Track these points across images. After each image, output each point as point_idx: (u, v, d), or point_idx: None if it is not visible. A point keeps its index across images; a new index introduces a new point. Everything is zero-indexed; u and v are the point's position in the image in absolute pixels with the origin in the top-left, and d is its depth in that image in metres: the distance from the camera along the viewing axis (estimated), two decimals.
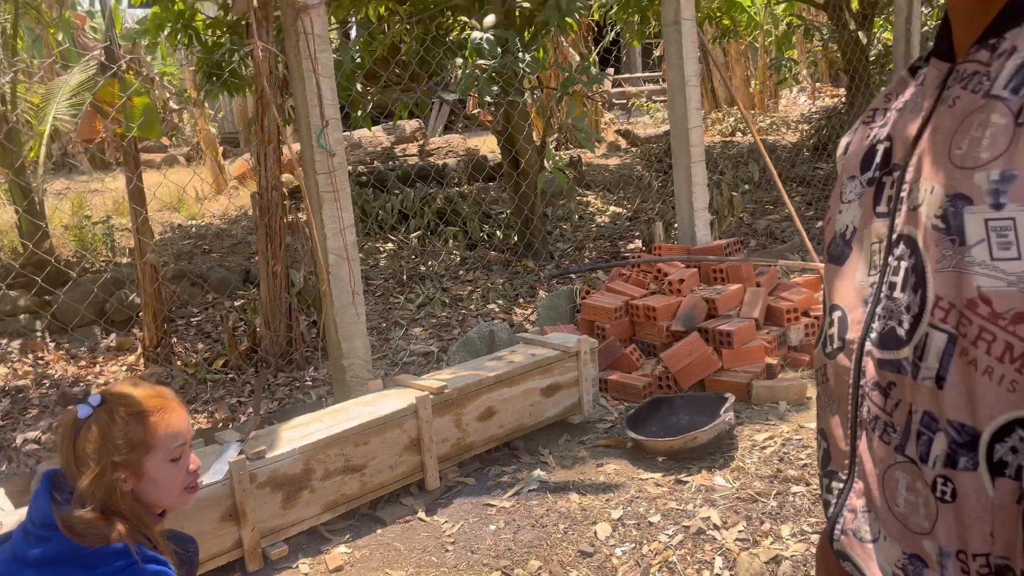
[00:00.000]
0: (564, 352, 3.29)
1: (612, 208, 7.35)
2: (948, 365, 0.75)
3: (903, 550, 0.82)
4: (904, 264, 0.79)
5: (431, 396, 2.87)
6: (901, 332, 0.80)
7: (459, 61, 4.98)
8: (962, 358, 0.74)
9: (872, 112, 0.94)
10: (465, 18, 6.00)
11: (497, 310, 4.79)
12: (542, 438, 3.31)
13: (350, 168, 7.74)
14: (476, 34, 4.78)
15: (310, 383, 3.92)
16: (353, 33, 9.05)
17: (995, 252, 0.72)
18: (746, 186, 7.58)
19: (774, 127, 11.04)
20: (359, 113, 5.63)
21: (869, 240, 0.86)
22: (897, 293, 0.81)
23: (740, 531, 2.57)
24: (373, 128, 9.33)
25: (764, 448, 3.10)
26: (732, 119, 11.35)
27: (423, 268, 5.54)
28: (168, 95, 10.71)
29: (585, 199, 7.67)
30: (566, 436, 3.34)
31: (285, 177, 5.08)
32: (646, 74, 16.18)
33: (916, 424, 0.78)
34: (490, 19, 4.94)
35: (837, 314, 0.89)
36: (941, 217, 0.76)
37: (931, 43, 0.85)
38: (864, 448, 0.86)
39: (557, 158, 6.04)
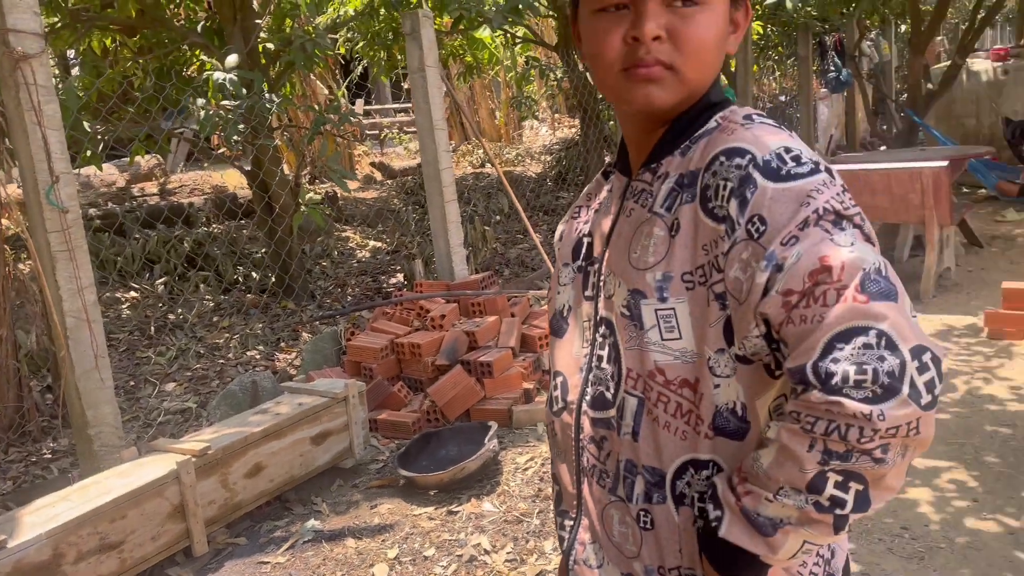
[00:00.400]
0: (332, 398, 3.30)
1: (372, 243, 7.41)
2: (640, 422, 0.96)
3: (621, 572, 1.01)
4: (607, 341, 1.00)
5: (193, 459, 2.76)
6: (608, 396, 1.00)
7: (201, 102, 4.80)
8: (648, 416, 0.95)
9: (577, 209, 1.15)
10: (205, 56, 5.80)
11: (259, 357, 4.66)
12: (314, 486, 3.29)
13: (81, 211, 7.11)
14: (218, 74, 4.65)
15: (50, 456, 3.57)
16: (76, 70, 8.33)
17: (664, 335, 0.93)
18: (498, 217, 7.99)
19: (519, 158, 11.71)
20: (88, 153, 5.22)
21: (581, 318, 1.06)
22: (604, 364, 1.01)
23: (508, 552, 2.74)
24: (106, 165, 8.64)
25: (526, 470, 3.33)
26: (482, 151, 11.86)
27: (173, 317, 5.24)
28: None
29: (344, 234, 7.66)
30: (339, 481, 3.35)
31: (7, 222, 4.59)
32: (397, 105, 16.43)
33: (622, 470, 0.99)
34: (232, 59, 4.81)
35: (560, 379, 1.09)
36: (626, 307, 0.96)
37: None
38: (587, 491, 1.05)
39: (311, 195, 6.00)
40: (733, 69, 8.89)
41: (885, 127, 11.75)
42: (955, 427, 3.42)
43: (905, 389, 0.75)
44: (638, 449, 0.96)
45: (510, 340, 4.16)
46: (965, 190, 8.61)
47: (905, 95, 9.45)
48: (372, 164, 11.14)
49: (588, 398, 1.03)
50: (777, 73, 15.56)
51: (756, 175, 0.84)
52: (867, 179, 5.21)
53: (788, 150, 0.85)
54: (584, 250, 1.08)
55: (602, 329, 1.01)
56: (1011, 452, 3.17)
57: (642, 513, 0.97)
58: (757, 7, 8.78)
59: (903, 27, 12.57)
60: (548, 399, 1.13)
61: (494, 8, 5.86)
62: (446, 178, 4.72)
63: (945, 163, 5.01)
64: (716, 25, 0.91)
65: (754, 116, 0.93)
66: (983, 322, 4.52)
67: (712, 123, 0.94)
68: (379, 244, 7.33)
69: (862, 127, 11.92)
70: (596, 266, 1.04)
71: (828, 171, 0.85)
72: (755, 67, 13.42)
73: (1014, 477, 2.98)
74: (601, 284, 1.02)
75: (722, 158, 0.87)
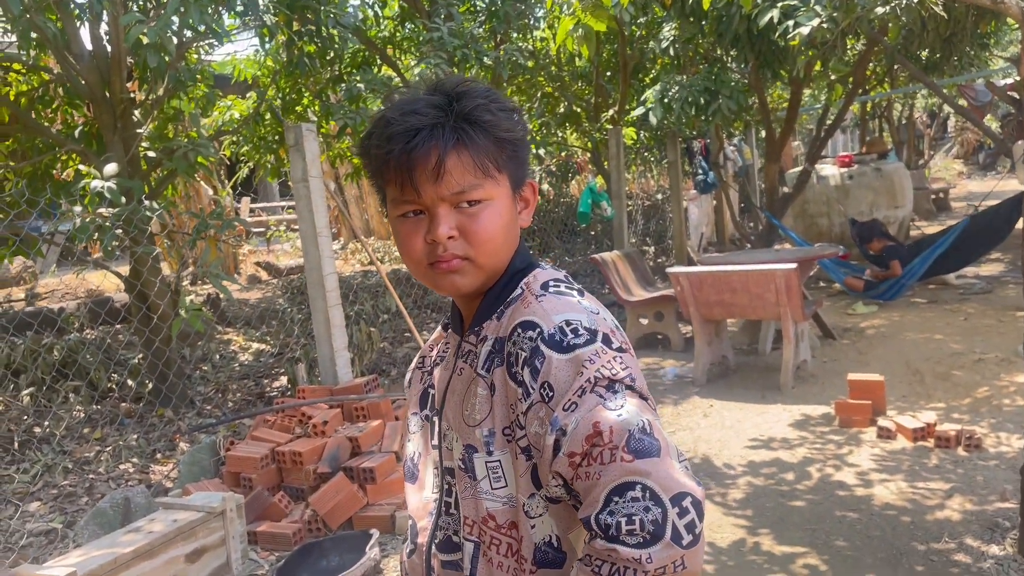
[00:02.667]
0: (208, 513, 3.25)
1: (255, 345, 7.32)
2: (476, 565, 1.09)
3: None
4: (454, 489, 1.13)
5: None
6: (455, 540, 1.12)
7: (77, 209, 4.75)
8: (484, 558, 1.08)
9: (422, 358, 1.28)
10: (80, 162, 5.74)
11: (132, 470, 4.50)
12: None
13: None
14: (96, 183, 4.63)
15: None
16: None
17: (493, 484, 1.08)
18: (386, 316, 8.06)
19: None
20: None
21: (430, 466, 1.18)
22: (452, 510, 1.14)
23: None
24: None
25: None
26: (371, 248, 11.98)
27: (39, 430, 5.00)
28: None
29: (227, 337, 7.54)
30: None
31: None
32: (284, 203, 16.41)
33: None
34: (111, 167, 4.80)
35: (411, 522, 1.20)
36: (462, 460, 1.11)
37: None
38: None
39: (191, 301, 5.92)
40: (608, 171, 9.46)
41: (752, 224, 12.66)
42: (808, 513, 3.69)
43: (667, 534, 0.91)
44: None
45: (394, 444, 4.20)
46: (823, 284, 9.35)
47: (764, 197, 10.26)
48: (258, 263, 11.05)
49: (437, 541, 1.14)
50: (655, 172, 16.58)
51: (543, 347, 1.00)
52: (727, 280, 5.63)
53: (568, 323, 1.01)
54: (429, 400, 1.21)
55: (447, 477, 1.13)
56: (857, 536, 3.43)
57: None
58: (628, 117, 9.45)
59: (763, 133, 13.73)
60: (404, 541, 1.24)
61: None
62: (330, 283, 4.81)
63: (795, 265, 5.49)
64: (501, 215, 1.08)
65: (551, 284, 1.09)
66: (834, 411, 4.91)
67: (518, 290, 1.10)
68: (263, 346, 7.25)
69: (730, 225, 12.79)
70: (438, 418, 1.17)
71: (605, 339, 1.01)
72: (632, 168, 14.30)
73: (859, 560, 3.24)
74: (443, 436, 1.15)
75: (519, 329, 1.04)
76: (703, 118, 7.73)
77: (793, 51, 7.14)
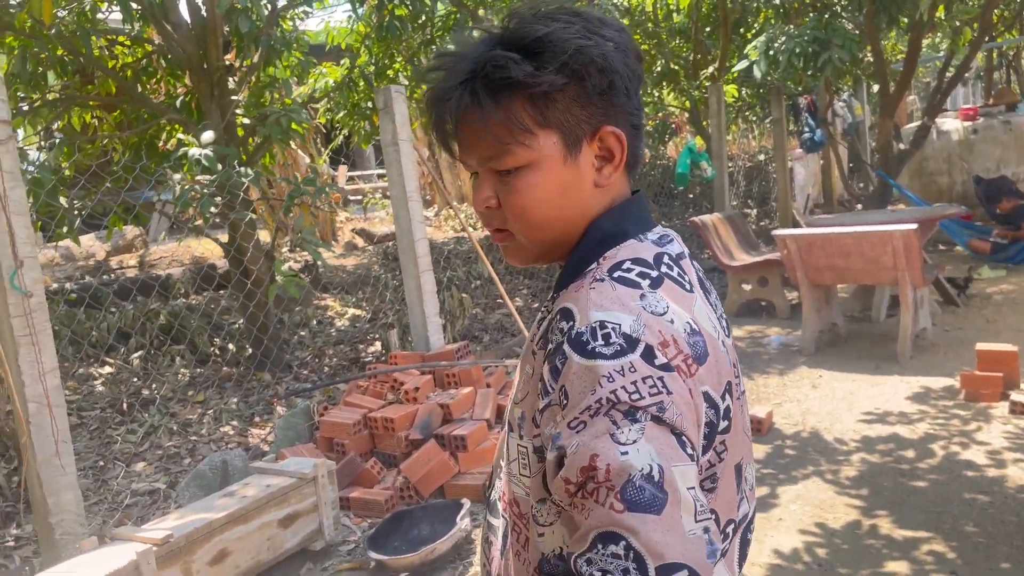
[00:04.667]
0: (301, 479, 3.24)
1: (351, 311, 7.39)
2: (506, 544, 0.98)
3: None
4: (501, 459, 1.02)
5: (155, 548, 2.69)
6: (499, 506, 1.03)
7: (177, 176, 4.83)
8: (509, 538, 0.98)
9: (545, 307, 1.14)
10: (181, 131, 5.85)
11: (232, 433, 4.59)
12: (282, 571, 3.21)
13: (57, 285, 7.08)
14: (194, 151, 4.69)
15: (13, 543, 3.47)
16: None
17: (520, 469, 0.95)
18: (478, 282, 8.00)
19: None
20: (64, 229, 5.22)
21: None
22: (502, 474, 1.02)
23: None
24: (86, 238, 8.65)
25: None
26: (464, 215, 11.95)
27: (146, 392, 5.17)
28: None
29: (323, 303, 7.64)
30: (308, 565, 3.27)
31: None
32: (380, 170, 16.59)
33: None
34: (208, 135, 4.86)
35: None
36: (506, 432, 0.99)
37: None
38: None
39: (287, 267, 5.99)
40: (708, 130, 9.06)
41: (862, 185, 11.95)
42: (932, 495, 3.39)
43: None
44: (502, 566, 0.99)
45: (485, 412, 4.11)
46: (943, 248, 8.73)
47: (877, 155, 9.63)
48: (354, 230, 11.19)
49: (491, 499, 1.06)
50: (757, 132, 15.88)
51: (567, 346, 0.84)
52: (839, 242, 5.26)
53: (603, 325, 0.82)
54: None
55: (503, 446, 1.03)
56: (989, 521, 3.13)
57: None
58: (729, 74, 8.99)
59: (875, 88, 12.90)
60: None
61: None
62: (420, 248, 4.73)
63: (914, 225, 5.07)
64: (541, 184, 0.91)
65: (622, 267, 0.90)
66: (960, 384, 4.53)
67: (593, 264, 0.93)
68: (358, 312, 7.31)
69: (839, 186, 12.12)
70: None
71: (646, 352, 0.81)
72: (733, 127, 13.72)
73: (993, 548, 2.94)
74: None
75: (558, 316, 0.88)
76: (812, 72, 7.25)
77: None
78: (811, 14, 8.32)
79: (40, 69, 5.56)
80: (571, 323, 0.85)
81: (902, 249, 5.05)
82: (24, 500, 3.66)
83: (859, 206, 10.35)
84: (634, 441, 0.77)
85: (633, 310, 0.84)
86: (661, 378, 0.81)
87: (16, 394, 2.91)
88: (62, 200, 5.02)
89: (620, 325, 0.82)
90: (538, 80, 0.88)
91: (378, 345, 6.13)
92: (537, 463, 0.89)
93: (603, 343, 0.81)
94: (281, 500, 3.15)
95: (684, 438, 0.80)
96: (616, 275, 0.89)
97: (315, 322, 6.98)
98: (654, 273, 0.89)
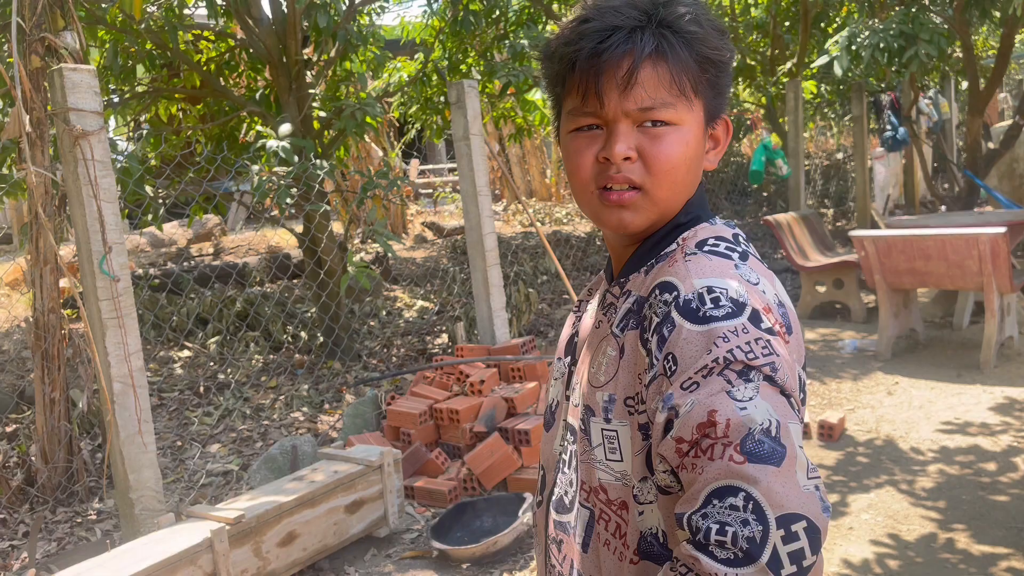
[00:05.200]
0: (367, 466, 3.30)
1: (420, 302, 7.49)
2: (590, 535, 0.97)
3: None
4: (571, 447, 1.00)
5: (227, 527, 2.78)
6: (566, 501, 1.01)
7: (255, 167, 4.97)
8: (596, 530, 0.96)
9: (579, 303, 1.15)
10: (260, 123, 6.01)
11: (302, 419, 4.71)
12: (348, 555, 3.28)
13: (141, 271, 7.37)
14: (272, 143, 4.82)
15: (95, 517, 3.64)
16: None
17: (608, 455, 0.94)
18: (545, 277, 8.01)
19: (569, 217, 11.77)
20: (149, 217, 5.43)
21: (563, 416, 1.06)
22: (566, 469, 1.02)
23: None
24: (168, 225, 8.98)
25: None
26: (532, 210, 11.97)
27: (222, 377, 5.34)
28: None
29: (393, 294, 7.76)
30: (372, 551, 3.33)
31: (64, 283, 4.78)
32: (451, 164, 16.74)
33: None
34: (286, 127, 4.99)
35: (541, 473, 1.09)
36: (582, 420, 0.97)
37: None
38: None
39: (360, 259, 6.10)
40: (785, 129, 8.85)
41: (946, 186, 11.49)
42: (1014, 511, 3.25)
43: (764, 557, 0.74)
44: (586, 561, 0.98)
45: None
46: None
47: (964, 155, 9.25)
48: (424, 224, 11.32)
49: (555, 498, 1.05)
50: (836, 130, 15.43)
51: (675, 314, 0.84)
52: (921, 245, 5.08)
53: (711, 290, 0.84)
54: (573, 348, 1.09)
55: (568, 435, 1.02)
56: None
57: None
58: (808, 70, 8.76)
59: (964, 84, 12.38)
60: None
61: None
62: (489, 243, 4.76)
63: (1003, 229, 4.86)
64: (688, 145, 0.92)
65: (709, 242, 0.93)
66: None
67: (673, 245, 0.95)
68: (426, 304, 7.40)
69: (921, 187, 11.69)
70: (572, 369, 1.06)
71: (753, 315, 0.83)
72: (811, 124, 13.36)
73: None
74: (571, 389, 1.03)
75: (657, 291, 0.88)
76: (896, 67, 7.00)
77: None
78: (897, 8, 8.04)
79: (130, 63, 5.79)
80: (674, 293, 0.86)
81: (989, 253, 4.84)
82: (107, 476, 3.83)
83: (943, 208, 9.96)
84: (750, 398, 0.79)
85: (733, 277, 0.87)
86: (769, 341, 0.82)
87: (103, 374, 3.05)
88: (148, 189, 5.22)
89: (727, 290, 0.84)
90: (719, 46, 0.93)
91: (445, 337, 6.20)
92: (642, 441, 0.89)
93: (713, 306, 0.83)
94: (348, 486, 3.22)
95: (792, 400, 0.82)
96: (706, 249, 0.91)
97: (384, 313, 7.10)
98: (740, 248, 0.93)
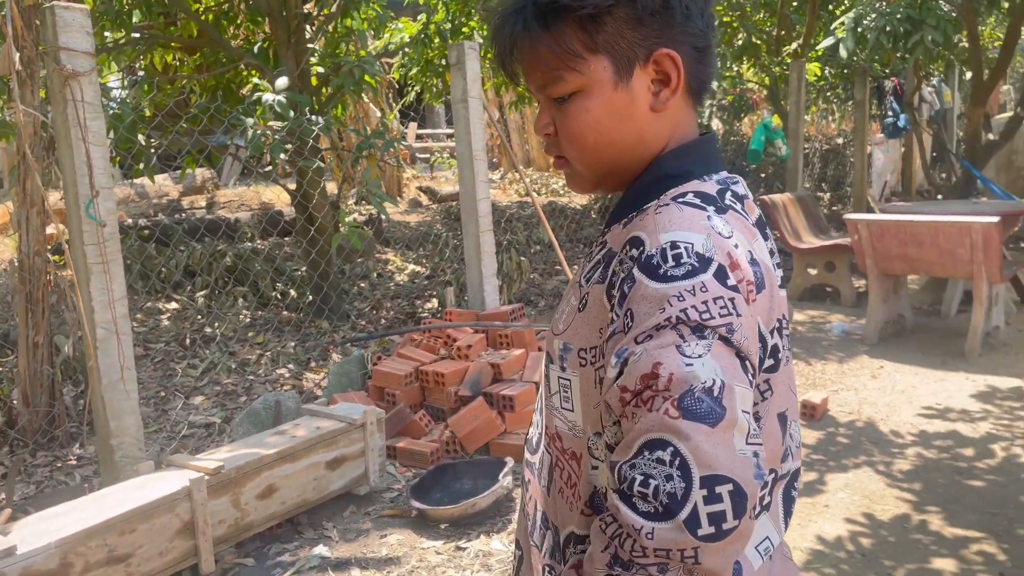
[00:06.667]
0: (350, 424, 3.31)
1: (411, 266, 7.47)
2: (552, 480, 0.97)
3: None
4: (542, 390, 1.02)
5: (206, 477, 2.79)
6: (534, 442, 1.03)
7: (250, 121, 4.91)
8: (553, 475, 0.97)
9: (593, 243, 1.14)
10: (257, 76, 5.93)
11: (287, 375, 4.71)
12: (327, 511, 3.29)
13: (131, 221, 7.31)
14: (268, 96, 4.75)
15: (74, 462, 3.64)
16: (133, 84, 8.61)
17: (562, 403, 0.94)
18: (538, 247, 7.98)
19: (566, 189, 11.70)
20: (141, 166, 5.37)
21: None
22: (538, 412, 1.03)
23: None
24: (160, 177, 8.89)
25: None
26: (529, 179, 11.91)
27: (209, 330, 5.33)
28: None
29: (384, 256, 7.74)
30: (352, 508, 3.34)
31: (51, 230, 4.73)
32: (449, 130, 16.61)
33: (538, 520, 1.00)
34: (283, 81, 4.93)
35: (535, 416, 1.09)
36: (545, 365, 0.98)
37: None
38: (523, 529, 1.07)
39: (352, 219, 6.06)
40: (787, 110, 8.79)
41: (944, 175, 11.47)
42: (988, 496, 3.28)
43: (682, 514, 0.73)
44: (548, 504, 0.98)
45: (535, 375, 4.13)
46: None
47: (964, 145, 9.22)
48: (420, 188, 11.25)
49: (528, 437, 1.06)
50: (838, 114, 15.35)
51: (636, 270, 0.82)
52: (914, 231, 5.08)
53: (675, 245, 0.81)
54: None
55: (544, 378, 1.03)
56: None
57: (547, 569, 0.98)
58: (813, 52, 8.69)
59: (968, 74, 12.30)
60: None
61: None
62: (482, 208, 4.73)
63: (996, 218, 4.85)
64: (589, 110, 0.90)
65: (681, 197, 0.89)
66: None
67: (653, 200, 0.91)
68: (417, 268, 7.38)
69: (919, 175, 11.67)
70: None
71: (718, 271, 0.79)
72: (813, 108, 13.28)
73: None
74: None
75: (627, 246, 0.86)
76: (901, 53, 6.94)
77: None
78: None
79: (126, 6, 5.68)
80: (640, 248, 0.83)
81: (981, 242, 4.85)
82: (88, 422, 3.83)
83: (939, 196, 9.96)
84: (700, 355, 0.76)
85: (703, 229, 0.83)
86: (732, 299, 0.79)
87: (86, 319, 3.03)
88: (140, 137, 5.16)
89: (692, 244, 0.81)
90: (584, 2, 0.86)
91: (435, 302, 6.19)
92: (599, 395, 0.87)
93: (674, 263, 0.80)
94: (330, 442, 3.23)
95: (747, 362, 0.80)
96: (680, 201, 0.88)
97: (375, 275, 7.08)
98: (718, 204, 0.89)
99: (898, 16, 6.56)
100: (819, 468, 3.60)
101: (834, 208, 10.70)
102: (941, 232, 4.98)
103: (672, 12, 0.88)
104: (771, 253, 0.94)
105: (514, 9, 0.91)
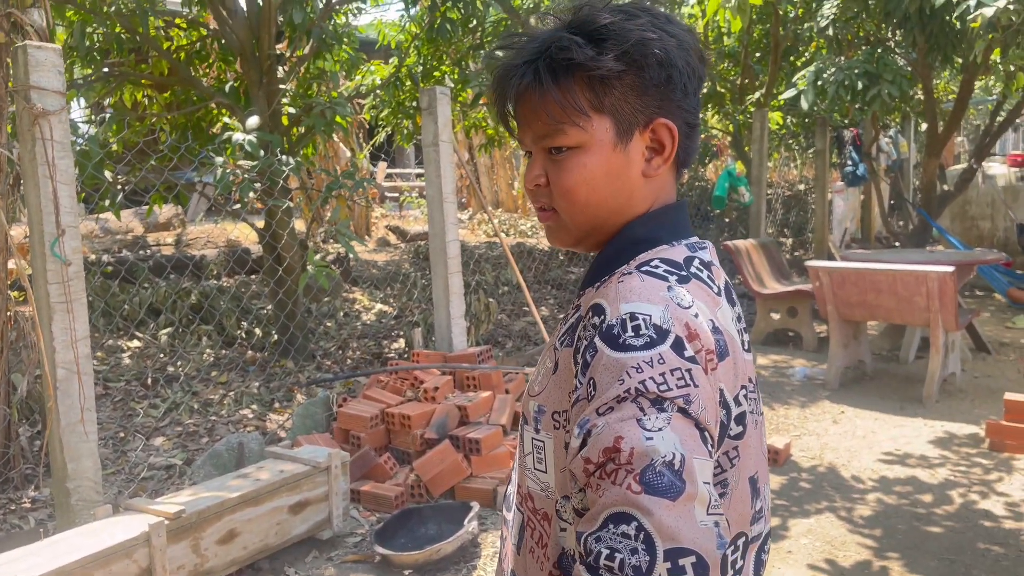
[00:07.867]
0: (314, 467, 3.27)
1: (379, 306, 7.45)
2: (522, 539, 0.99)
3: None
4: (518, 451, 1.03)
5: (166, 522, 2.73)
6: (509, 500, 1.05)
7: (220, 160, 4.91)
8: (524, 535, 0.99)
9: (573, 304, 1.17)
10: (227, 116, 5.94)
11: (251, 416, 4.65)
12: (289, 556, 3.24)
13: (94, 257, 7.22)
14: (238, 136, 4.76)
15: (29, 505, 3.55)
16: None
17: (535, 464, 0.97)
18: (506, 288, 8.02)
19: (534, 230, 11.81)
20: (107, 202, 5.32)
21: None
22: (514, 471, 1.05)
23: None
24: (125, 213, 8.81)
25: None
26: (497, 220, 11.99)
27: (172, 369, 5.25)
28: None
29: (352, 296, 7.71)
30: (315, 553, 3.29)
31: (12, 265, 4.66)
32: (418, 169, 16.70)
33: None
34: (253, 120, 4.94)
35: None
36: (520, 426, 1.01)
37: None
38: None
39: (319, 258, 6.05)
40: (750, 157, 9.00)
41: (901, 223, 11.79)
42: (947, 542, 3.33)
43: None
44: (518, 563, 0.99)
45: (502, 417, 4.12)
46: (980, 293, 8.58)
47: (920, 194, 9.52)
48: (388, 227, 11.27)
49: (508, 496, 1.07)
50: (799, 161, 15.73)
51: (598, 339, 0.85)
52: (873, 279, 5.20)
53: (633, 317, 0.83)
54: None
55: (520, 439, 1.05)
56: (1003, 573, 3.07)
57: None
58: (775, 101, 8.94)
59: (923, 126, 12.72)
60: None
61: None
62: (451, 250, 4.76)
63: (951, 268, 5.00)
64: (586, 166, 0.93)
65: (649, 264, 0.92)
66: (984, 432, 4.45)
67: (623, 265, 0.95)
68: (385, 308, 7.36)
69: (877, 222, 11.98)
70: None
71: (676, 343, 0.82)
72: (775, 155, 13.60)
73: None
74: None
75: (590, 312, 0.89)
76: (859, 105, 7.18)
77: (970, 35, 6.49)
78: (863, 48, 8.25)
79: (98, 45, 5.68)
80: (602, 317, 0.86)
81: (937, 291, 4.98)
82: (44, 464, 3.74)
83: (897, 244, 10.22)
84: (660, 429, 0.78)
85: (661, 300, 0.85)
86: (689, 370, 0.82)
87: (47, 359, 2.98)
88: (107, 174, 5.12)
89: (650, 316, 0.83)
90: (598, 64, 0.91)
91: (402, 342, 6.17)
92: (565, 459, 0.89)
93: (633, 334, 0.82)
94: (293, 486, 3.19)
95: (706, 433, 0.82)
96: (644, 269, 0.90)
97: (342, 314, 7.05)
98: (682, 272, 0.91)
99: (856, 71, 6.79)
100: (782, 514, 3.64)
101: (796, 253, 10.92)
102: (899, 280, 5.11)
103: (673, 87, 0.94)
104: (738, 319, 0.97)
105: (526, 60, 0.94)
